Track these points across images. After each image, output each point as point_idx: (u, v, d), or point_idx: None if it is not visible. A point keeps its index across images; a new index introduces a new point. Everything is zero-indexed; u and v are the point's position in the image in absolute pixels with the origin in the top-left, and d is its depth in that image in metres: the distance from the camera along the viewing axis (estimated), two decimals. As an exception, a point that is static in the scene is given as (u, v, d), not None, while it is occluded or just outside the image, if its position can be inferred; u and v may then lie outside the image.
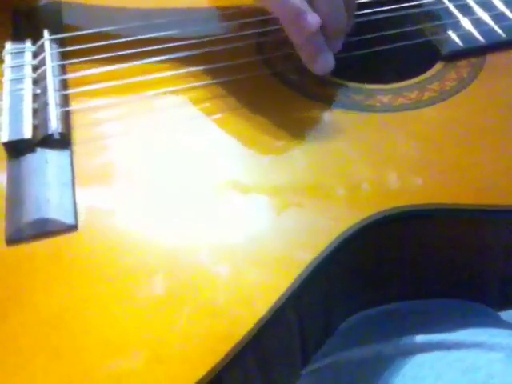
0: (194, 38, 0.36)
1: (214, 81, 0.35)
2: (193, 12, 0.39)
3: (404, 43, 0.37)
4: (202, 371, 0.23)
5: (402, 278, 0.34)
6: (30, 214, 0.28)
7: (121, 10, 0.40)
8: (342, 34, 0.35)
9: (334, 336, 0.33)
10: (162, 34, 0.36)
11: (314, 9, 0.33)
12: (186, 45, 0.36)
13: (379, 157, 0.31)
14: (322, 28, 0.34)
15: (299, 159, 0.31)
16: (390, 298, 0.34)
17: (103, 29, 0.37)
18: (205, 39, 0.36)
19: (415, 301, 0.35)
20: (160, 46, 0.36)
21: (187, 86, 0.34)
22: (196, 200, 0.29)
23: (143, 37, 0.36)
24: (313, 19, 0.32)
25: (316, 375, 0.34)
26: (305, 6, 0.32)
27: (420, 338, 0.32)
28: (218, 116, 0.33)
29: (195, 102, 0.34)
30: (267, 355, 0.28)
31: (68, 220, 0.28)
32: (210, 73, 0.35)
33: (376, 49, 0.37)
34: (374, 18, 0.38)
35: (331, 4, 0.33)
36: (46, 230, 0.27)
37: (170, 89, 0.34)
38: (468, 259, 0.33)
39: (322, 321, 0.32)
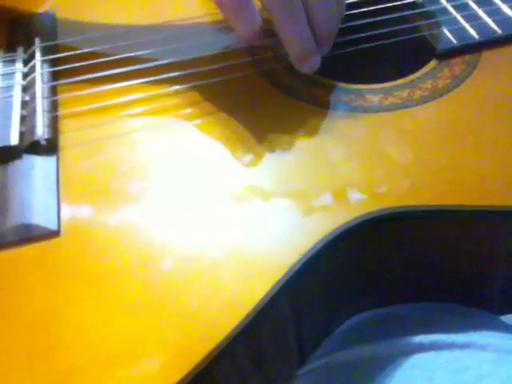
0: (185, 55, 0.36)
1: (203, 82, 0.34)
2: (185, 28, 0.39)
3: (397, 39, 0.36)
4: (182, 372, 0.23)
5: (396, 281, 0.33)
6: (14, 219, 0.28)
7: (113, 21, 0.40)
8: (332, 39, 0.35)
9: (330, 337, 0.33)
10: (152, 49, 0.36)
11: (309, 15, 0.33)
12: (177, 63, 0.36)
13: (369, 157, 0.30)
14: (314, 32, 0.34)
15: (288, 160, 0.31)
16: (387, 301, 0.34)
17: (95, 35, 0.37)
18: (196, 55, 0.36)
19: (411, 304, 0.34)
20: (150, 51, 0.36)
21: (176, 88, 0.34)
22: (180, 204, 0.29)
23: (131, 42, 0.36)
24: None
25: (311, 375, 0.34)
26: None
27: (413, 339, 0.32)
28: (207, 118, 0.33)
29: (184, 105, 0.34)
30: (262, 353, 0.28)
31: (51, 225, 0.28)
32: (198, 74, 0.35)
33: (367, 45, 0.36)
34: (368, 19, 0.38)
35: (326, 12, 0.33)
36: (29, 235, 0.27)
37: (161, 91, 0.34)
38: (465, 262, 0.32)
39: (320, 321, 0.32)
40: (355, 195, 0.29)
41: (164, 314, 0.25)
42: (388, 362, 0.31)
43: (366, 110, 0.33)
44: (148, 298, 0.25)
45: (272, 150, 0.31)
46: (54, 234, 0.28)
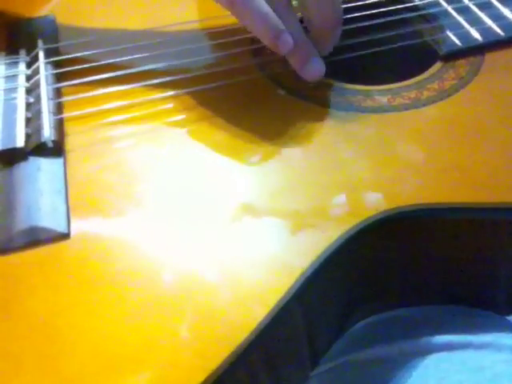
0: (188, 58, 0.36)
1: (209, 85, 0.34)
2: (186, 31, 0.39)
3: (402, 44, 0.37)
4: (199, 377, 0.22)
5: (405, 283, 0.33)
6: (22, 222, 0.27)
7: (113, 22, 0.40)
8: (333, 40, 0.35)
9: (341, 338, 0.33)
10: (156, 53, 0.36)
11: (307, 15, 0.33)
12: (181, 66, 0.35)
13: (380, 157, 0.30)
14: (312, 34, 0.34)
15: (297, 162, 0.30)
16: (396, 304, 0.34)
17: (98, 37, 0.37)
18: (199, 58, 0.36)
19: (420, 307, 0.34)
20: (150, 54, 0.35)
21: (180, 91, 0.34)
22: (189, 210, 0.28)
23: (134, 44, 0.36)
24: (289, 39, 0.32)
25: (323, 377, 0.34)
26: (280, 24, 0.32)
27: (425, 340, 0.31)
28: (212, 122, 0.33)
29: (188, 108, 0.34)
30: (275, 358, 0.28)
31: (60, 228, 0.27)
32: (202, 77, 0.35)
33: (373, 50, 0.36)
34: (371, 21, 0.38)
35: (324, 12, 0.33)
36: (37, 238, 0.27)
37: (166, 94, 0.34)
38: (471, 262, 0.32)
39: (332, 324, 0.32)
40: (367, 195, 0.29)
41: (174, 319, 0.24)
42: (400, 362, 0.31)
43: (374, 110, 0.33)
44: (158, 303, 0.25)
45: (280, 152, 0.31)
46: (64, 236, 0.27)
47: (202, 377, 0.22)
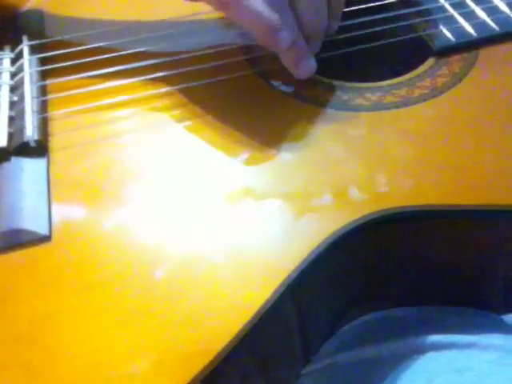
0: (179, 54, 0.35)
1: (200, 82, 0.34)
2: (178, 25, 0.38)
3: (394, 39, 0.36)
4: (183, 382, 0.22)
5: (397, 282, 0.33)
6: (3, 224, 0.27)
7: (103, 18, 0.39)
8: (322, 36, 0.34)
9: (332, 338, 0.33)
10: (142, 38, 0.35)
11: (295, 11, 0.32)
12: (171, 62, 0.35)
13: (370, 156, 0.30)
14: (302, 31, 0.33)
15: (287, 161, 0.30)
16: (388, 303, 0.34)
17: (83, 34, 0.36)
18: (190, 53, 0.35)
19: (412, 307, 0.34)
20: (139, 50, 0.35)
21: (170, 88, 0.33)
22: (175, 207, 0.28)
23: (122, 40, 0.35)
24: (287, 36, 0.31)
25: (313, 376, 0.34)
26: (278, 21, 0.31)
27: (414, 341, 0.31)
28: (201, 119, 0.32)
29: (178, 105, 0.33)
30: (267, 358, 0.28)
31: (42, 230, 0.27)
32: (193, 74, 0.34)
33: (366, 46, 0.36)
34: (364, 18, 0.37)
35: (313, 8, 0.33)
36: (18, 240, 0.26)
37: (154, 91, 0.33)
38: (467, 262, 0.32)
39: (324, 323, 0.32)
40: (356, 195, 0.28)
41: (162, 322, 0.24)
42: (389, 363, 0.31)
43: (365, 108, 0.32)
44: (145, 306, 0.24)
45: (271, 150, 0.30)
46: (45, 239, 0.27)
47: (187, 380, 0.22)
